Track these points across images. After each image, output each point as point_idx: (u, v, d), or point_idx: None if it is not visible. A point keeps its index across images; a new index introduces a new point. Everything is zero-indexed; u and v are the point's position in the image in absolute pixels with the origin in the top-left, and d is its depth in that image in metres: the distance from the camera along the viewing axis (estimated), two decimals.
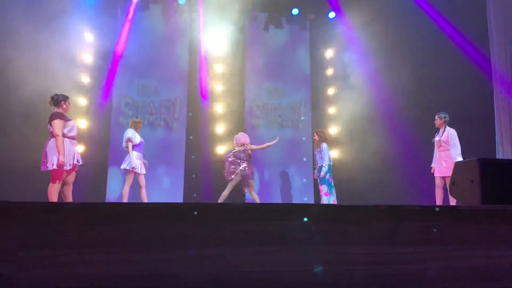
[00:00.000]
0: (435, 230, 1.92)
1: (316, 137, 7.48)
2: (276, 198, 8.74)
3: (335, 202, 7.10)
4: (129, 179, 6.61)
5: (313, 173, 7.68)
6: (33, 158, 5.18)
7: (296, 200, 8.81)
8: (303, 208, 1.90)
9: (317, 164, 7.39)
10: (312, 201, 8.71)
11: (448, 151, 6.06)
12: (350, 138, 8.82)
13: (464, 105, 7.13)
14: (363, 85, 8.64)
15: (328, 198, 7.12)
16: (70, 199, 5.26)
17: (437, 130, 6.34)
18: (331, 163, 7.30)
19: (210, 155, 8.39)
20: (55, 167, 4.93)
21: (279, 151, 8.97)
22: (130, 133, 6.68)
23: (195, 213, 1.74)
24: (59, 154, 4.92)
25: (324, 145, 7.26)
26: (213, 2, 8.53)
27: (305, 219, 1.82)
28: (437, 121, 6.29)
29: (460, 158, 5.82)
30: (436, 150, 6.29)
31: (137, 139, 6.70)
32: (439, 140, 6.20)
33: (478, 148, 6.80)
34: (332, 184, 7.23)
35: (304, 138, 9.09)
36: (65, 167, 4.98)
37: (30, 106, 6.86)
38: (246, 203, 6.60)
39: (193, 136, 8.50)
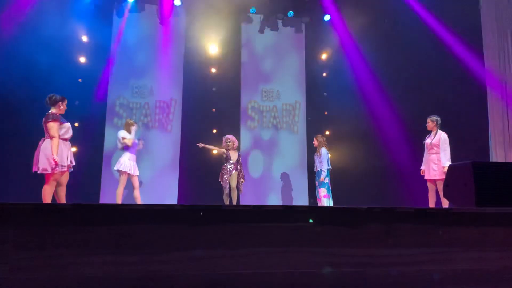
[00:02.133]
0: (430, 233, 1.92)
1: (315, 142, 7.58)
2: (271, 200, 8.73)
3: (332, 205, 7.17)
4: (123, 180, 6.59)
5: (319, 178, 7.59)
6: (27, 159, 5.14)
7: (292, 202, 8.81)
8: (297, 210, 1.90)
9: (316, 168, 7.47)
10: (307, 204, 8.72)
11: (438, 154, 6.08)
12: (345, 141, 8.83)
13: (458, 109, 7.19)
14: (358, 87, 8.67)
15: (328, 200, 7.20)
16: (63, 200, 5.24)
17: (430, 132, 6.36)
18: (330, 168, 7.38)
19: (205, 157, 8.37)
20: (49, 170, 4.90)
21: (275, 153, 8.99)
22: (122, 133, 6.69)
23: (201, 213, 1.74)
24: (52, 153, 4.90)
25: (324, 150, 7.37)
26: (208, 4, 8.53)
27: (311, 220, 1.82)
28: (429, 124, 6.30)
29: (449, 163, 5.84)
30: (427, 153, 6.31)
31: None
32: (431, 143, 6.21)
33: (472, 151, 6.85)
34: (330, 187, 7.32)
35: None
36: (61, 168, 4.97)
37: (24, 106, 6.83)
38: (241, 205, 6.59)
39: (188, 138, 8.47)
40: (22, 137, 6.70)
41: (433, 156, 6.14)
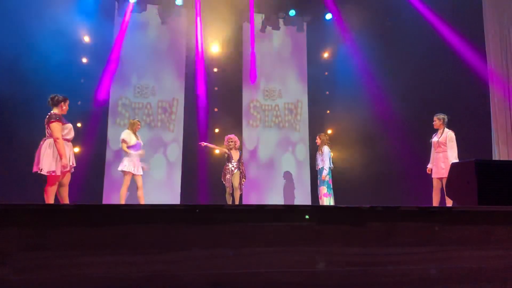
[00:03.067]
0: (437, 229, 1.92)
1: (318, 141, 7.60)
2: (274, 199, 8.73)
3: (334, 204, 7.19)
4: (126, 181, 6.58)
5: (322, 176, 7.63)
6: (30, 159, 5.15)
7: (294, 200, 8.80)
8: (300, 209, 1.90)
9: (318, 166, 7.50)
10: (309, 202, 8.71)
11: (446, 152, 6.06)
12: (347, 139, 8.82)
13: (461, 106, 7.16)
14: (360, 86, 8.66)
15: (328, 199, 7.22)
16: (66, 200, 5.25)
17: (434, 130, 6.34)
18: (332, 166, 7.40)
19: (208, 157, 8.38)
20: (54, 171, 4.91)
21: (276, 152, 8.99)
22: (125, 134, 6.68)
23: (197, 210, 1.74)
24: (61, 158, 4.92)
25: (326, 148, 7.40)
26: (210, 3, 8.53)
27: (307, 216, 1.82)
28: (436, 123, 6.28)
29: (457, 161, 5.84)
30: (434, 151, 6.28)
31: (133, 140, 6.67)
32: (438, 141, 6.19)
33: (475, 149, 6.83)
34: (331, 186, 7.34)
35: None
36: (63, 169, 4.99)
37: (26, 106, 6.84)
38: (244, 205, 6.60)
39: (190, 137, 8.47)
40: (23, 138, 6.71)
41: (441, 155, 6.13)
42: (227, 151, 7.43)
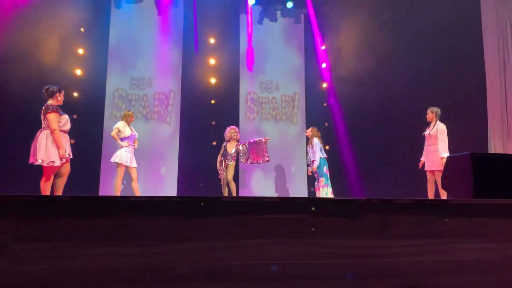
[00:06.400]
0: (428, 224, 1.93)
1: (308, 133, 7.63)
2: (271, 192, 8.74)
3: (332, 194, 7.20)
4: (120, 172, 6.59)
5: (307, 170, 7.73)
6: (25, 151, 5.14)
7: (291, 193, 8.82)
8: (296, 201, 1.90)
9: (310, 159, 7.52)
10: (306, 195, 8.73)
11: (437, 145, 6.08)
12: (344, 132, 8.83)
13: (457, 100, 7.18)
14: (357, 79, 8.64)
15: (326, 190, 7.23)
16: (60, 191, 5.22)
17: (429, 123, 6.36)
18: (324, 156, 7.40)
19: (204, 149, 8.36)
20: (53, 161, 4.90)
21: (274, 144, 8.98)
22: (120, 124, 6.69)
23: (202, 204, 1.74)
24: (58, 148, 4.92)
25: (315, 140, 7.40)
26: None
27: (313, 208, 1.83)
28: (429, 115, 6.31)
29: (447, 154, 5.88)
30: (426, 144, 6.32)
31: (127, 131, 6.67)
32: (429, 134, 6.22)
33: (470, 143, 6.86)
34: (328, 176, 7.35)
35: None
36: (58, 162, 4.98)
37: (22, 98, 6.81)
38: (241, 197, 6.61)
39: (187, 130, 8.45)
40: (19, 129, 6.68)
41: (432, 148, 6.15)
42: (240, 147, 7.41)
